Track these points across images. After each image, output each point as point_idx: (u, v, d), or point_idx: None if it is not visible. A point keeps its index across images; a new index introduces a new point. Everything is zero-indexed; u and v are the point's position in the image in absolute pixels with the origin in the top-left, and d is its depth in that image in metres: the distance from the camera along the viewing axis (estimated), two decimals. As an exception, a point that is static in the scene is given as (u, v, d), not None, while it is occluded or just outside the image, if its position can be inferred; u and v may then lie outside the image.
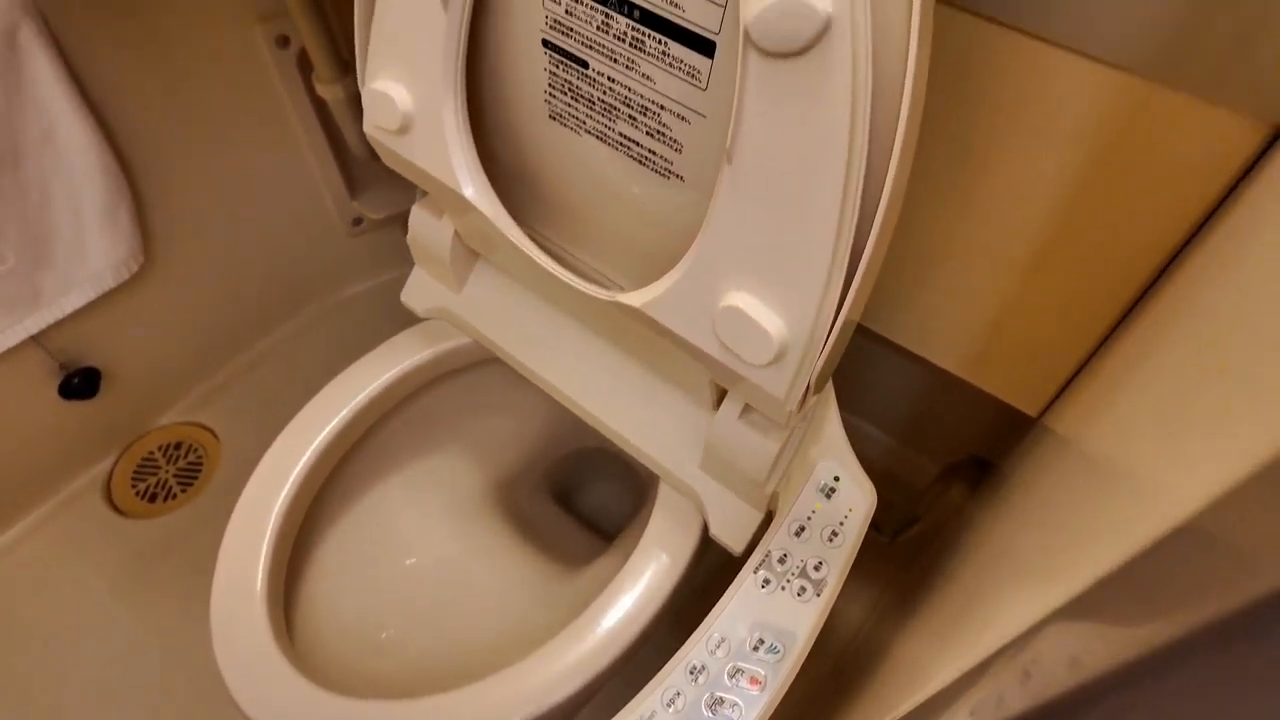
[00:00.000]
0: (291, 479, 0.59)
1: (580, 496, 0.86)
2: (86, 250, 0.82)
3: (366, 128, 0.53)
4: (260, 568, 0.56)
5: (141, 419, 1.03)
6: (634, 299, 0.45)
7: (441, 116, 0.48)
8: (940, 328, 0.54)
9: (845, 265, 0.36)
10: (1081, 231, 0.42)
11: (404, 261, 0.63)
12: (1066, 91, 0.38)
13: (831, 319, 0.37)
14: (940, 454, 0.83)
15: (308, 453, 0.60)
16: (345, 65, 0.82)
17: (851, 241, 0.36)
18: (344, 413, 0.61)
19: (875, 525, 0.60)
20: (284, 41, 0.87)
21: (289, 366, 1.11)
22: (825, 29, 0.31)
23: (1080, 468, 0.35)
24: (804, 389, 0.40)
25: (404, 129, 0.50)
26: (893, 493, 0.88)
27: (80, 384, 0.90)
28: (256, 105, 0.91)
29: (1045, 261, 0.45)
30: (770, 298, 0.38)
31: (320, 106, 0.93)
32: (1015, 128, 0.41)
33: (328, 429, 0.61)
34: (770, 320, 0.38)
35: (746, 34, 0.33)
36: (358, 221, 1.10)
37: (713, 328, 0.41)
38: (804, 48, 0.32)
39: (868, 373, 0.82)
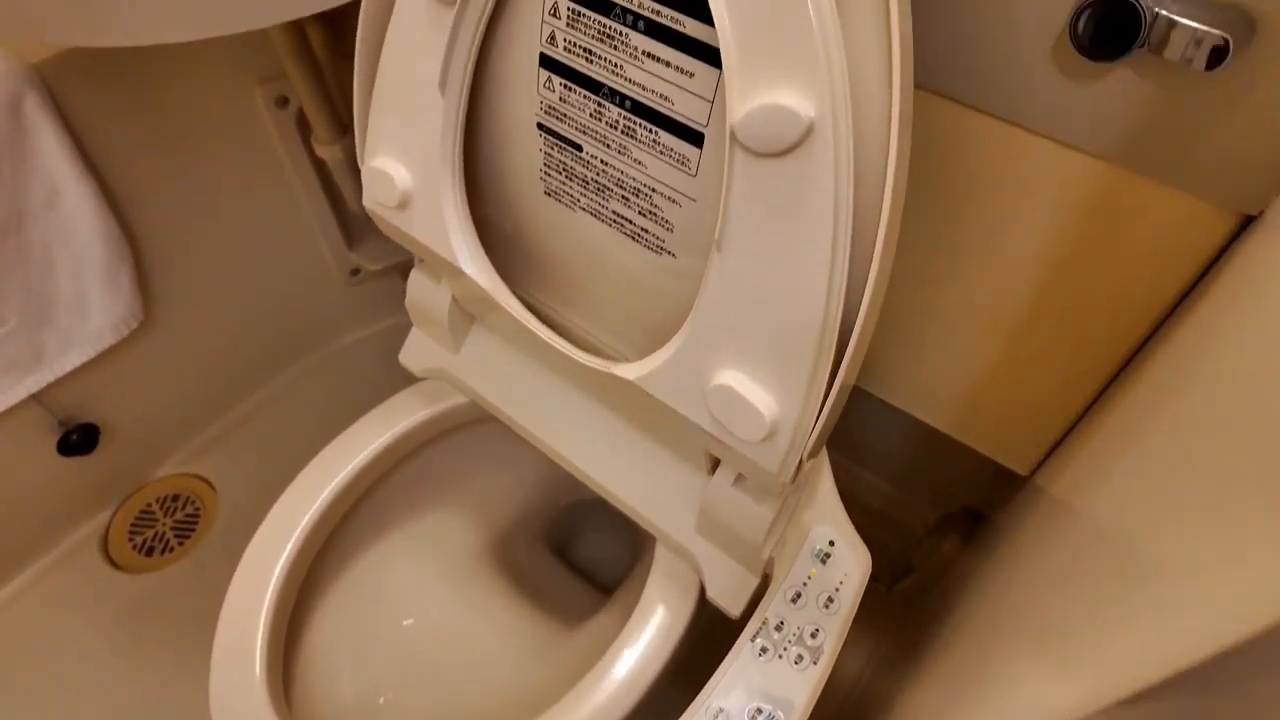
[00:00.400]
0: (290, 545, 0.59)
1: (578, 547, 0.86)
2: (87, 310, 0.83)
3: (366, 202, 0.54)
4: (259, 637, 0.56)
5: (139, 472, 1.03)
6: (628, 372, 0.46)
7: (440, 194, 0.49)
8: (929, 388, 0.55)
9: (834, 346, 0.37)
10: (1062, 301, 0.44)
11: (401, 309, 0.64)
12: (1041, 173, 0.39)
13: (822, 397, 0.38)
14: (935, 499, 0.84)
15: (305, 518, 0.61)
16: (343, 126, 0.84)
17: (839, 324, 0.37)
18: (341, 477, 0.62)
19: (872, 575, 0.61)
20: (283, 102, 0.89)
21: (286, 416, 1.11)
22: (808, 132, 0.32)
23: (1086, 539, 0.35)
24: (797, 462, 0.41)
25: (403, 205, 0.52)
26: (888, 535, 0.89)
27: (78, 440, 0.90)
28: (256, 162, 0.92)
29: (1028, 328, 0.47)
30: (761, 377, 0.39)
31: (319, 163, 0.94)
32: (993, 203, 0.43)
33: (325, 493, 0.62)
34: (762, 399, 0.39)
35: (733, 134, 0.35)
36: (355, 272, 1.11)
37: (705, 403, 0.42)
38: (788, 149, 0.33)
39: (862, 419, 0.83)
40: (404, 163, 0.50)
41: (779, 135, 0.33)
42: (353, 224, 1.07)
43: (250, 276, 1.01)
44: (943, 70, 0.39)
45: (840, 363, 0.37)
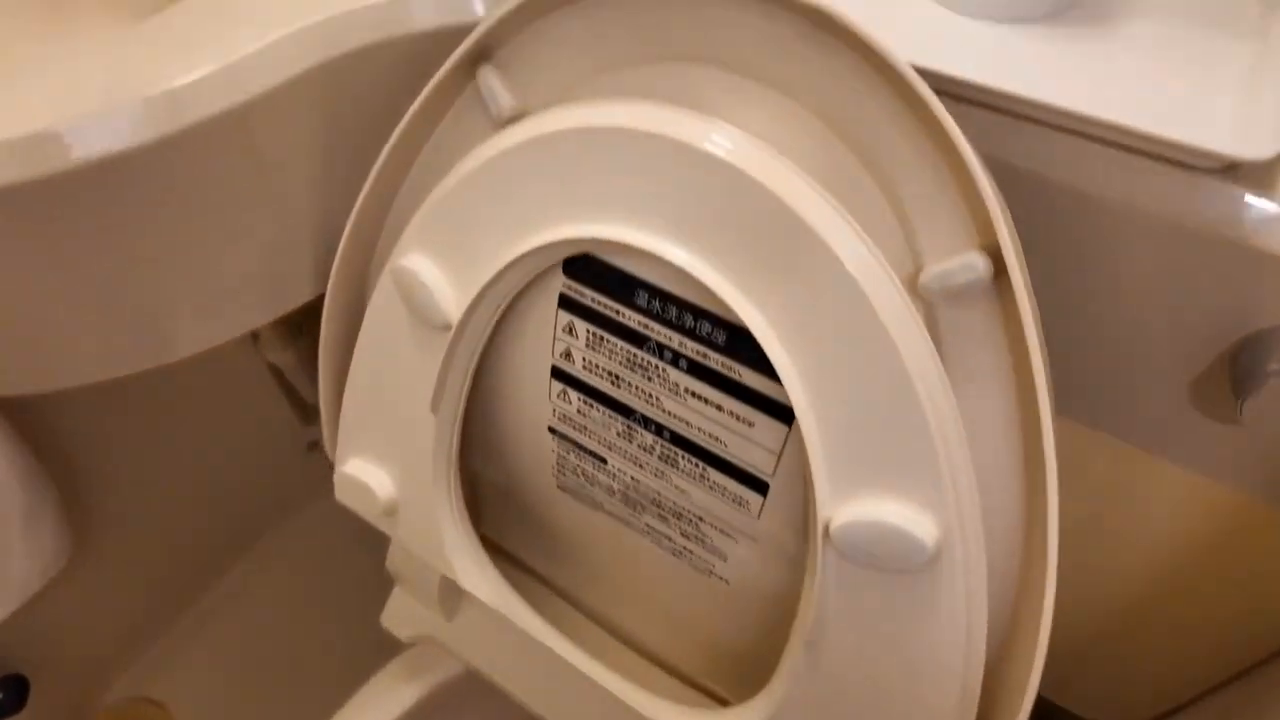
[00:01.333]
0: None
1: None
2: (7, 563, 0.72)
3: (340, 500, 0.46)
4: None
5: (80, 706, 0.90)
6: (683, 729, 0.38)
7: (433, 513, 0.41)
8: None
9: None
10: (1198, 600, 0.38)
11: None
12: (1181, 501, 0.33)
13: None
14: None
15: None
16: (298, 328, 0.75)
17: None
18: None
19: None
20: (224, 294, 0.80)
21: (245, 614, 1.00)
22: (933, 558, 0.26)
23: None
24: None
25: (388, 513, 0.43)
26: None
27: (5, 700, 0.78)
28: (193, 359, 0.83)
29: (1148, 615, 0.40)
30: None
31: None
32: (1114, 517, 0.37)
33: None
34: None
35: (827, 533, 0.27)
36: (313, 445, 1.01)
37: (796, 803, 0.34)
38: (902, 571, 0.26)
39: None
40: (386, 470, 0.42)
41: (892, 557, 0.26)
42: (310, 400, 0.97)
43: (194, 473, 0.91)
44: (1064, 394, 0.33)
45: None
